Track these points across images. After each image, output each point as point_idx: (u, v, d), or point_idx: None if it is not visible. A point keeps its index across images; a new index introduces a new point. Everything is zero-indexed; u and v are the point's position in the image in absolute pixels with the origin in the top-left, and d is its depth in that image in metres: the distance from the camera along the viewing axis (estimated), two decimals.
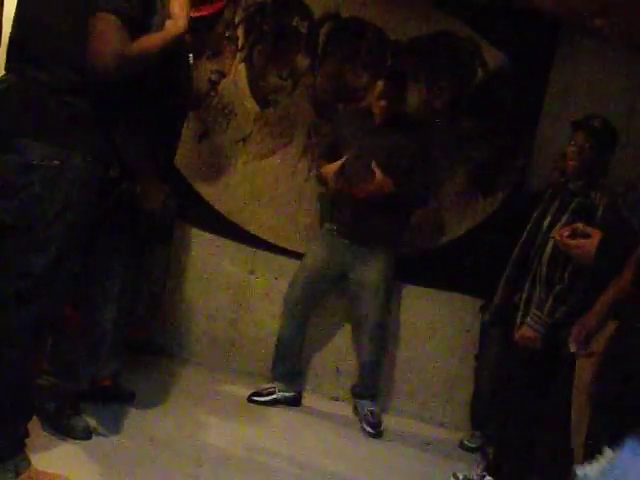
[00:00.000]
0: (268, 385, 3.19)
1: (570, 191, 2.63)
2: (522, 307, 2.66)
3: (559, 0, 3.15)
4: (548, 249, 2.60)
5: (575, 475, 1.30)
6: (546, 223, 2.66)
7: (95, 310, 2.33)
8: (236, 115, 3.38)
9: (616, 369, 1.88)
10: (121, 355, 2.56)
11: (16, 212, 1.70)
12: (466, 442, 3.25)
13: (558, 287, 2.52)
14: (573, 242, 2.31)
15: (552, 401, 2.58)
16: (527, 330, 2.57)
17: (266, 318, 3.45)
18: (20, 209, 1.70)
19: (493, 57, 3.36)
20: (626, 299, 2.00)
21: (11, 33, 1.84)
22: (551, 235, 2.59)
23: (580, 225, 2.31)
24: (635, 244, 2.08)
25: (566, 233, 2.33)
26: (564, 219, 2.59)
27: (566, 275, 2.50)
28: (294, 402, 3.22)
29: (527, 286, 2.68)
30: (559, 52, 3.37)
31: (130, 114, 1.98)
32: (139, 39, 1.74)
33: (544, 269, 2.60)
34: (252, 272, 3.46)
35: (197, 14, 2.54)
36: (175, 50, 1.97)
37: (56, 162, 1.70)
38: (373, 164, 3.02)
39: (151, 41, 1.80)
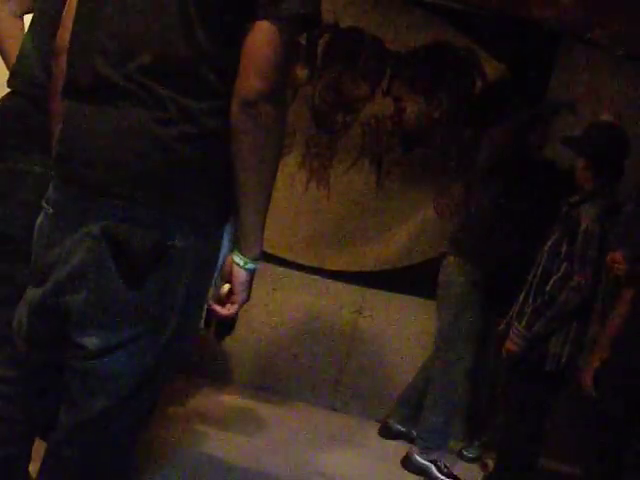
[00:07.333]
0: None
1: (570, 204, 2.62)
2: (513, 320, 2.66)
3: (558, 11, 3.15)
4: (542, 262, 2.61)
5: None
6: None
7: None
8: None
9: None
10: None
11: None
12: (465, 452, 3.26)
13: (539, 300, 2.52)
14: None
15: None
16: (508, 343, 2.59)
17: (264, 329, 3.44)
18: None
19: (492, 67, 3.35)
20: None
21: None
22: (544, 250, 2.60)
23: None
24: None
25: None
26: (556, 233, 2.60)
27: (547, 288, 2.50)
28: None
29: (521, 299, 2.69)
30: (558, 62, 3.36)
31: None
32: None
33: (536, 282, 2.60)
34: None
35: None
36: None
37: None
38: None
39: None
